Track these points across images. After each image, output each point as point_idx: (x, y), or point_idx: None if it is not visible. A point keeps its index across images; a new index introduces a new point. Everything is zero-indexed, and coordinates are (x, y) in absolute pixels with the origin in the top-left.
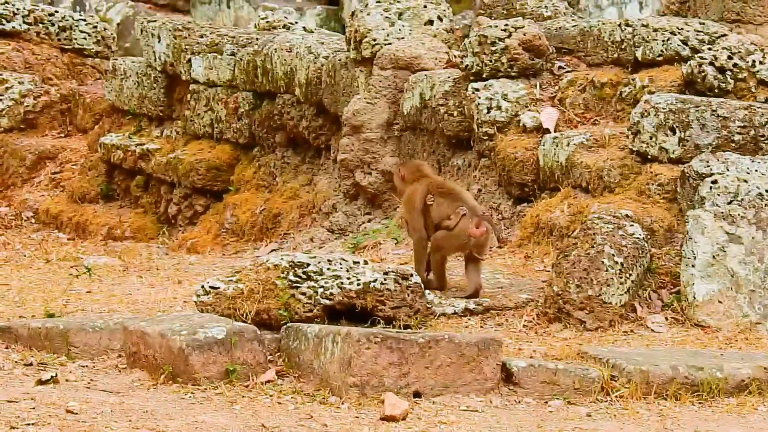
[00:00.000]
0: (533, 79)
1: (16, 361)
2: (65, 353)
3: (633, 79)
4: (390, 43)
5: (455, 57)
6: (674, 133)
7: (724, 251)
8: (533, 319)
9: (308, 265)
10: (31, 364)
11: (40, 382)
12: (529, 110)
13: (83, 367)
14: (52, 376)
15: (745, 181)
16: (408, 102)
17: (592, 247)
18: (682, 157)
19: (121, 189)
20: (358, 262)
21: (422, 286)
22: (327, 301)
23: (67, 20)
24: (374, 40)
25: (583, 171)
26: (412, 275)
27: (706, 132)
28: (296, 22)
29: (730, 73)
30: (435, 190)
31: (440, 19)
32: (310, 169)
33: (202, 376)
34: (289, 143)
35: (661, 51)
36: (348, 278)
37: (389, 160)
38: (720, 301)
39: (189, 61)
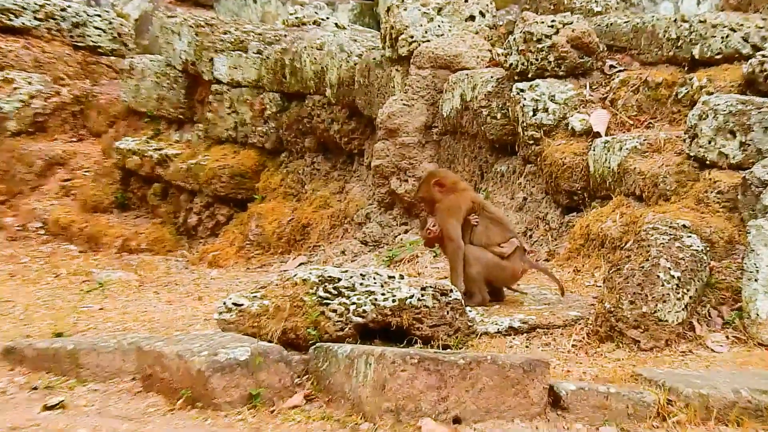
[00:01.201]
0: (582, 78)
1: (21, 385)
2: (74, 376)
3: (690, 79)
4: (428, 41)
5: (498, 55)
6: (734, 136)
7: None
8: (583, 338)
9: (339, 279)
10: (36, 388)
11: (47, 408)
12: (578, 112)
13: (94, 391)
14: (60, 401)
15: None
16: (448, 104)
17: (647, 260)
18: (743, 162)
19: (137, 197)
20: (394, 277)
21: (463, 302)
22: (359, 319)
23: (80, 16)
24: (411, 37)
25: (636, 178)
26: (451, 291)
27: None
28: (327, 18)
29: None
30: (481, 212)
31: (482, 14)
32: (342, 176)
33: (224, 400)
34: (319, 148)
35: (720, 49)
36: (383, 294)
37: (427, 166)
38: None
39: (211, 59)
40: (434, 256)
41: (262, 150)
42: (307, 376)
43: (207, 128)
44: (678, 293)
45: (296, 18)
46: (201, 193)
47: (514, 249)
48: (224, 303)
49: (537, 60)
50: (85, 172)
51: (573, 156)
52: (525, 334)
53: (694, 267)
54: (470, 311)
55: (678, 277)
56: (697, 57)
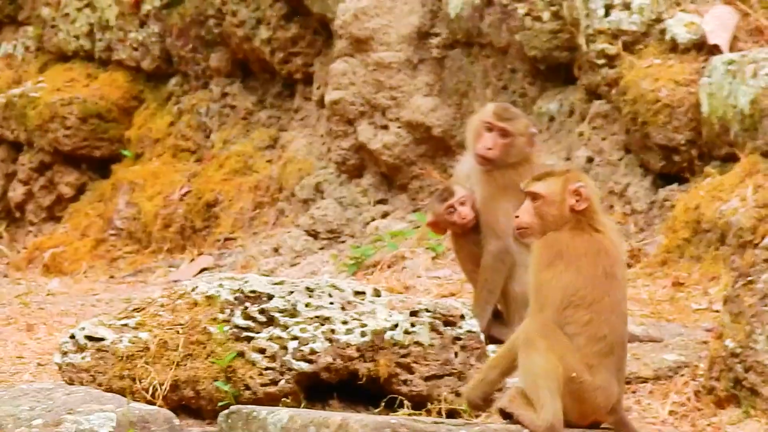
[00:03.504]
0: None
1: None
2: None
3: None
4: None
5: None
6: None
7: None
8: (688, 399)
9: (271, 297)
10: None
11: None
12: (683, 11)
13: None
14: None
15: None
16: None
17: None
18: None
19: None
20: (364, 293)
21: (482, 338)
22: (305, 366)
23: None
24: None
25: None
26: (462, 317)
27: None
28: None
29: None
30: None
31: None
32: (275, 119)
33: None
34: (236, 70)
35: None
36: (344, 323)
37: (422, 102)
38: None
39: None
40: (434, 257)
41: (136, 73)
42: None
43: (41, 34)
44: None
45: None
46: (30, 148)
47: None
48: (72, 336)
49: None
50: None
51: (673, 86)
52: None
53: None
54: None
55: None
56: None
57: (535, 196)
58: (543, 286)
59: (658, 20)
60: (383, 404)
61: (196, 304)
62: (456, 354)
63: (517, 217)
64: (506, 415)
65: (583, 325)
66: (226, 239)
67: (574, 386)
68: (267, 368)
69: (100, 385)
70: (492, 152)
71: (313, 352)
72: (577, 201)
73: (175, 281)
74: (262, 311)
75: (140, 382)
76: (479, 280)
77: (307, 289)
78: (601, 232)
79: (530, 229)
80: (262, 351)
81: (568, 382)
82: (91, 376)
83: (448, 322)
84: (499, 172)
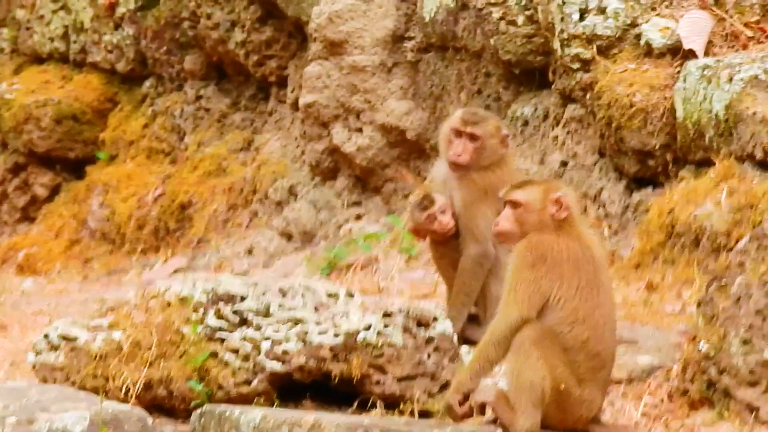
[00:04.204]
0: None
1: None
2: None
3: None
4: None
5: None
6: None
7: None
8: (662, 401)
9: (244, 298)
10: None
11: None
12: (658, 15)
13: None
14: None
15: None
16: (431, 1)
17: None
18: None
19: None
20: (337, 295)
21: (455, 340)
22: (278, 366)
23: None
24: None
25: (757, 129)
26: (435, 319)
27: None
28: None
29: None
30: None
31: None
32: (249, 121)
33: None
34: (211, 73)
35: None
36: (318, 323)
37: (397, 105)
38: None
39: None
40: (407, 259)
41: (111, 75)
42: None
43: (16, 36)
44: None
45: None
46: (5, 149)
47: None
48: (46, 335)
49: None
50: None
51: (648, 91)
52: None
53: None
54: (469, 355)
55: None
56: None
57: (515, 204)
58: (522, 284)
59: (633, 25)
60: (356, 405)
61: (169, 304)
62: (429, 355)
63: (497, 224)
64: (484, 410)
65: (582, 341)
66: (200, 240)
67: (561, 398)
68: (240, 368)
69: (73, 383)
70: (462, 158)
71: (286, 352)
72: (557, 210)
73: (149, 282)
74: (235, 312)
75: (114, 381)
76: (456, 282)
77: (281, 290)
78: (581, 240)
79: (509, 236)
80: (235, 351)
81: (556, 393)
82: (64, 375)
83: (422, 324)
84: (476, 175)
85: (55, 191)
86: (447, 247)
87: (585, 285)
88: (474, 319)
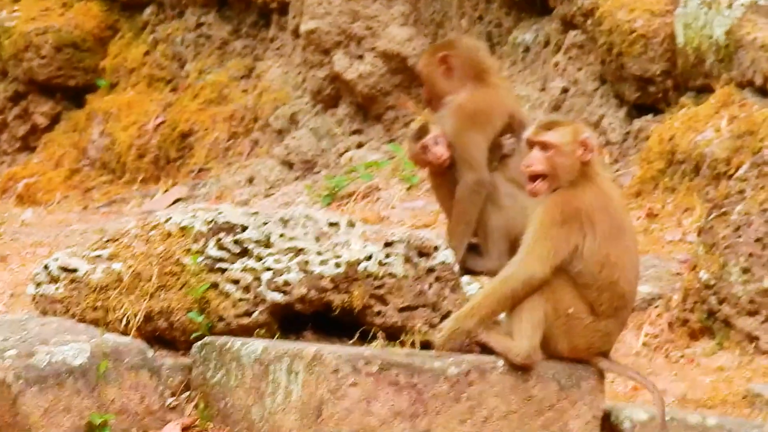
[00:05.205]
0: None
1: None
2: None
3: None
4: None
5: None
6: None
7: None
8: (662, 331)
9: (245, 228)
10: None
11: None
12: None
13: None
14: None
15: None
16: None
17: None
18: None
19: None
20: (338, 224)
21: (456, 270)
22: (279, 296)
23: None
24: None
25: (757, 55)
26: (436, 249)
27: None
28: None
29: None
30: (520, 131)
31: None
32: (250, 48)
33: None
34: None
35: None
36: (319, 254)
37: (398, 32)
38: None
39: None
40: (408, 188)
41: (112, 2)
42: (188, 393)
43: None
44: None
45: None
46: (5, 78)
47: None
48: (45, 267)
49: None
50: None
51: (649, 17)
52: None
53: None
54: (470, 285)
55: None
56: None
57: (546, 146)
58: (548, 240)
59: None
60: (357, 336)
61: (169, 235)
62: (430, 285)
63: (528, 166)
64: (483, 347)
65: (612, 282)
66: (201, 170)
67: (570, 323)
68: (241, 299)
69: (73, 316)
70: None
71: (287, 283)
72: (583, 152)
73: (149, 212)
74: (236, 242)
75: (114, 313)
76: (454, 212)
77: (282, 220)
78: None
79: (545, 179)
80: (236, 282)
81: (563, 316)
82: (64, 307)
83: (423, 254)
84: (458, 103)
85: (55, 120)
86: (444, 177)
87: (614, 229)
88: (474, 249)
